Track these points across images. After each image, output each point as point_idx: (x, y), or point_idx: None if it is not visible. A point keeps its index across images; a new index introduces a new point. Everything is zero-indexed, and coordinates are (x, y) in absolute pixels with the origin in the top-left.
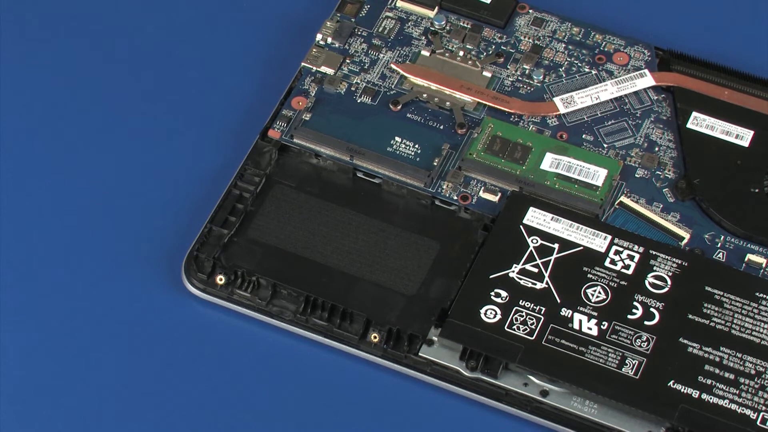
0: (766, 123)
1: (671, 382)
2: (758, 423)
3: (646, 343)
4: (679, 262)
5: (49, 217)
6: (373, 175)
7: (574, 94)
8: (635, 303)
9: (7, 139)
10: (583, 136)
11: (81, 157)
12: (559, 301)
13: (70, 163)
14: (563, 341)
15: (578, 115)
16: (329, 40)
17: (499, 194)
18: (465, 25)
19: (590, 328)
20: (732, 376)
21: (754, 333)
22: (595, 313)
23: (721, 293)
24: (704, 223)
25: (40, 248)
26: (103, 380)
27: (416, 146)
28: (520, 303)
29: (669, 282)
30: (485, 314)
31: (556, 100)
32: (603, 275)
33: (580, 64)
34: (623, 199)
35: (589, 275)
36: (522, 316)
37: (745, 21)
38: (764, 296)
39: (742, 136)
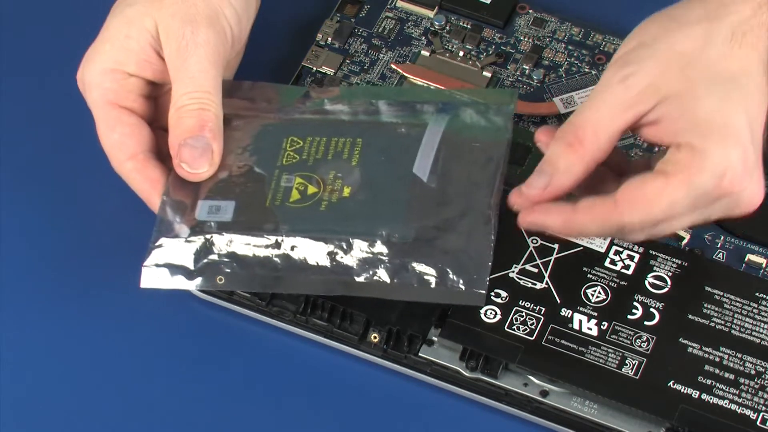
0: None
1: (671, 382)
2: (758, 423)
3: (646, 343)
4: (679, 262)
5: (49, 217)
6: None
7: (574, 94)
8: (635, 303)
9: (6, 139)
10: None
11: (81, 157)
12: (559, 301)
13: (71, 163)
14: (563, 341)
15: None
16: (329, 40)
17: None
18: (465, 25)
19: (590, 328)
20: (732, 376)
21: (754, 333)
22: (595, 313)
23: (721, 293)
24: None
25: (40, 248)
26: (103, 380)
27: None
28: (520, 303)
29: (669, 282)
30: (485, 314)
31: (556, 100)
32: (603, 275)
33: (580, 64)
34: None
35: (589, 275)
36: (522, 316)
37: None
38: (764, 296)
39: None
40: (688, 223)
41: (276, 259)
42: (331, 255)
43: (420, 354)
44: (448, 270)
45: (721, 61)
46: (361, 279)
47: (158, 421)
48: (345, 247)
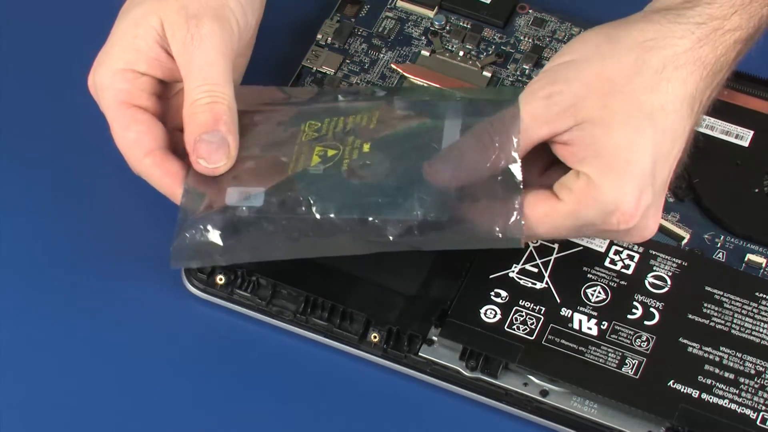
0: (766, 123)
1: (671, 382)
2: (758, 423)
3: (646, 343)
4: (679, 262)
5: (50, 217)
6: None
7: None
8: (635, 303)
9: (5, 139)
10: None
11: (82, 157)
12: (559, 300)
13: (71, 163)
14: (563, 341)
15: None
16: (329, 39)
17: None
18: (465, 25)
19: (590, 328)
20: (732, 376)
21: (754, 333)
22: (595, 313)
23: (721, 293)
24: (704, 223)
25: (41, 248)
26: (103, 380)
27: None
28: (520, 303)
29: (669, 282)
30: (485, 314)
31: None
32: (603, 275)
33: None
34: None
35: (589, 275)
36: (522, 316)
37: None
38: (764, 296)
39: (742, 136)
40: (571, 237)
41: (306, 227)
42: (363, 220)
43: (420, 354)
44: (483, 219)
45: (645, 94)
46: (394, 238)
47: (158, 421)
48: (377, 210)
